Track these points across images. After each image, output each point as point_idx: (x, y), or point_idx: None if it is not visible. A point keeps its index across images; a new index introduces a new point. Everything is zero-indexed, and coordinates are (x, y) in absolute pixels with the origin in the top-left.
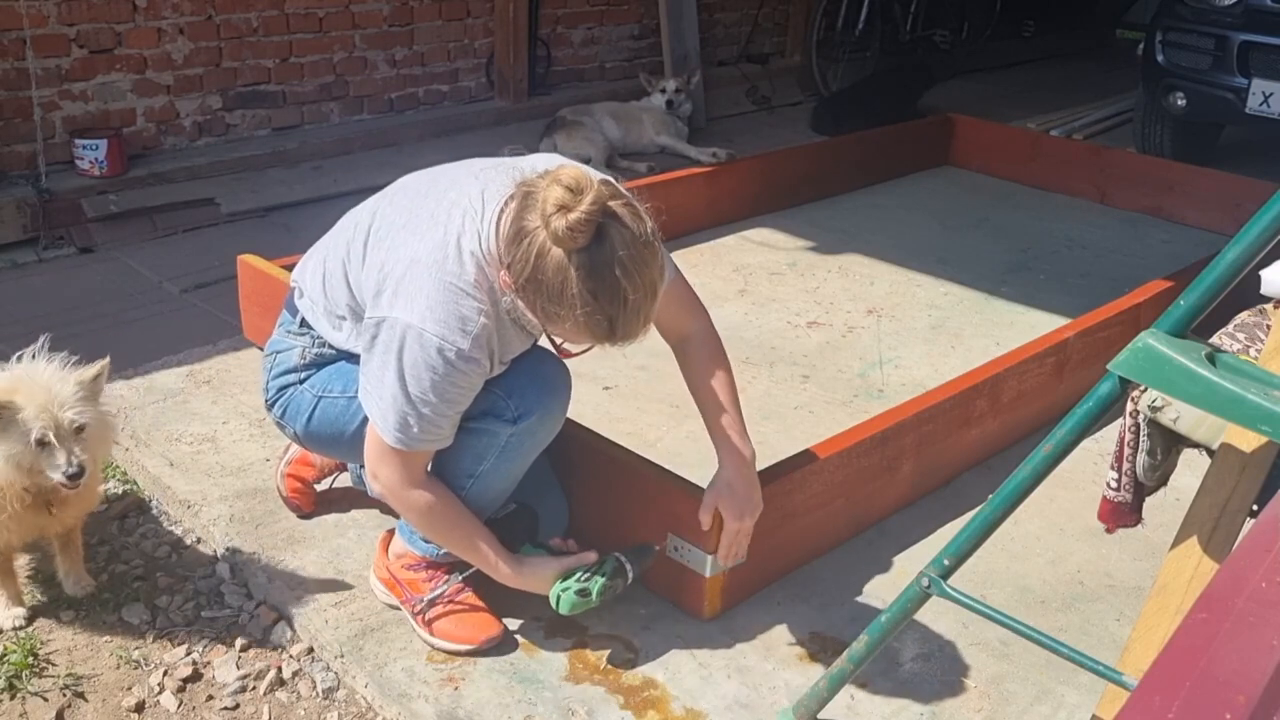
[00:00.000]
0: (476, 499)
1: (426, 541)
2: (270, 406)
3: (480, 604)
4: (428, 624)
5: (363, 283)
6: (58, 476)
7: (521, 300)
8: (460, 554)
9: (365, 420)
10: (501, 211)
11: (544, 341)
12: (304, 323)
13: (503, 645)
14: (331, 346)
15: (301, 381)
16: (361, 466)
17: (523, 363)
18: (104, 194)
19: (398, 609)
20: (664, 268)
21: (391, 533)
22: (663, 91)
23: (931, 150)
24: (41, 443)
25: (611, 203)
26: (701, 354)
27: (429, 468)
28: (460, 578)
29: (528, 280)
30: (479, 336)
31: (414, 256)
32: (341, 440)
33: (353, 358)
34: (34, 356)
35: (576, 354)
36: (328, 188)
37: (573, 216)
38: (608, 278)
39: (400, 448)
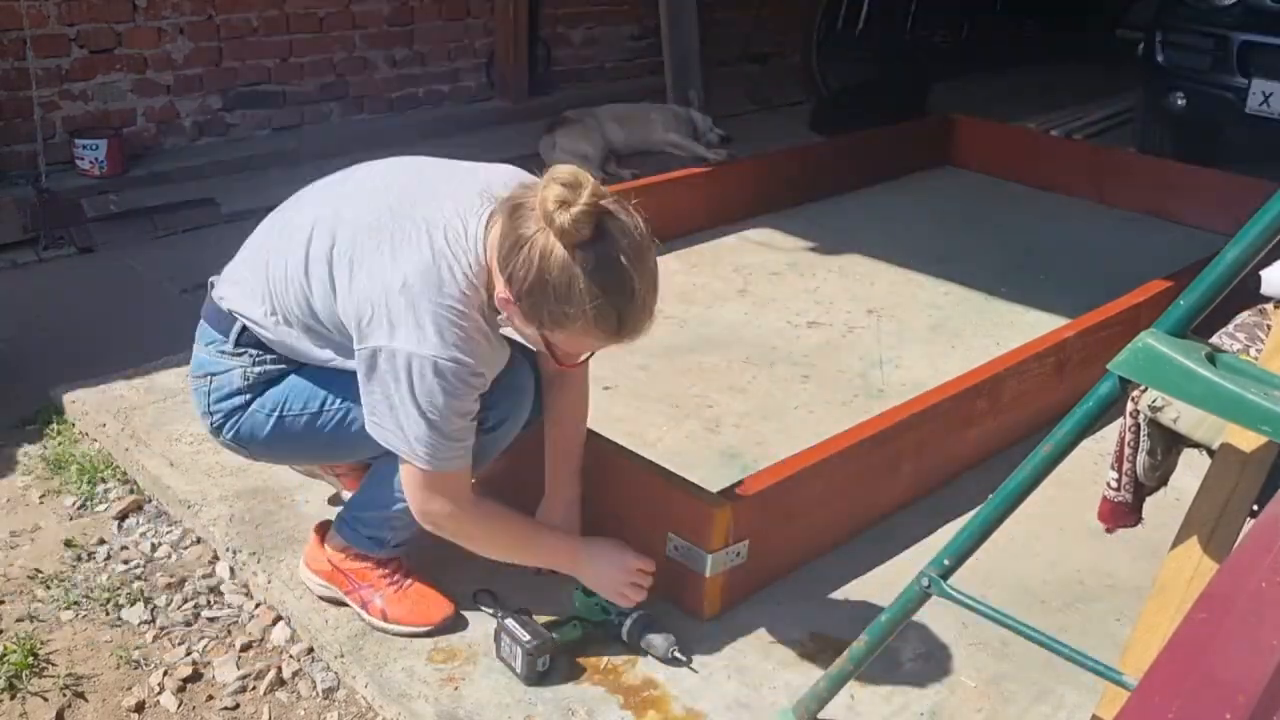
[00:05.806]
0: None
1: (371, 540)
2: (218, 431)
3: (428, 585)
4: (380, 612)
5: (336, 310)
6: None
7: (523, 310)
8: (527, 560)
9: (332, 429)
10: (487, 228)
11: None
12: (239, 342)
13: None
14: (275, 363)
15: (249, 404)
16: (332, 471)
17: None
18: (104, 194)
19: (343, 603)
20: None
21: (327, 524)
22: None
23: (931, 150)
24: None
25: (605, 200)
26: (574, 393)
27: (471, 483)
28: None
29: (533, 284)
30: (477, 353)
31: (404, 281)
32: (308, 451)
33: (301, 370)
34: None
35: (578, 363)
36: None
37: (575, 210)
38: (614, 268)
39: (438, 470)
